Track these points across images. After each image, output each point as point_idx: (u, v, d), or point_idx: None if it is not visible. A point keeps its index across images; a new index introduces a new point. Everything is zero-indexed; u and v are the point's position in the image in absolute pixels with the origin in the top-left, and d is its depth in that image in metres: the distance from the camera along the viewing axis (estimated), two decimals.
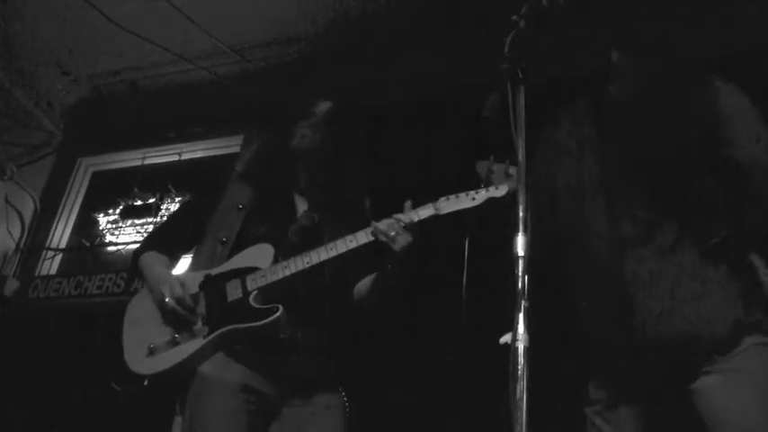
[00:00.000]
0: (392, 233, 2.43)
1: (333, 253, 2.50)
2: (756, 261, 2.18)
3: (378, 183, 3.36)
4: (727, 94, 2.16)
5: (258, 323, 2.42)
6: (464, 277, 2.65)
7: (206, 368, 2.42)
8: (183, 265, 2.91)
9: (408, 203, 2.52)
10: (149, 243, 2.81)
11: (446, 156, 4.09)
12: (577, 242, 2.35)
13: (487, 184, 2.55)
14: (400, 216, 2.46)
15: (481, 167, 2.62)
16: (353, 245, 2.49)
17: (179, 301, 2.47)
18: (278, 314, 2.41)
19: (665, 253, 2.16)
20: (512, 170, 2.57)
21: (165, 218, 3.11)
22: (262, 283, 2.49)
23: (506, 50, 1.89)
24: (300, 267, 2.50)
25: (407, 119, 4.42)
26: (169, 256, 2.75)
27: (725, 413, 2.01)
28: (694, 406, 2.07)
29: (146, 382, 2.44)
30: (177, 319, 2.48)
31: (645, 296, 2.14)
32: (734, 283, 2.10)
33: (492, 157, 2.61)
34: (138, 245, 2.85)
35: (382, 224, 2.45)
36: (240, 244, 2.63)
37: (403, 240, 2.43)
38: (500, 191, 2.43)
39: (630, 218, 2.22)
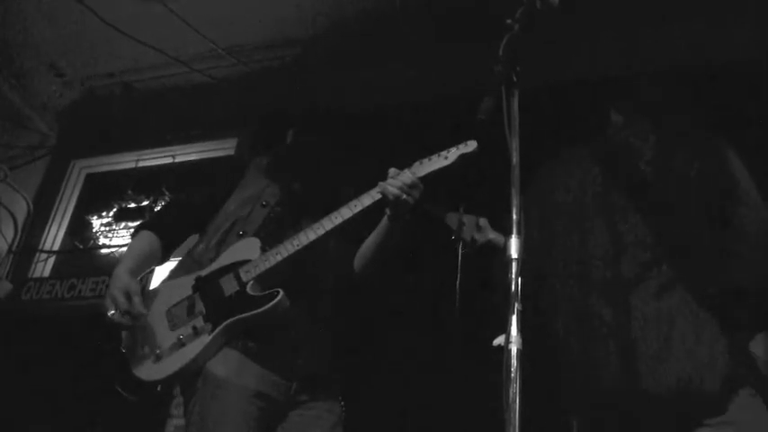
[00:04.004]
0: (404, 196, 2.46)
1: (321, 231, 2.51)
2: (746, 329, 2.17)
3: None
4: (734, 159, 2.19)
5: (261, 309, 2.42)
6: (458, 281, 2.67)
7: (219, 370, 2.40)
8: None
9: (393, 169, 2.54)
10: (150, 222, 2.81)
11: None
12: (570, 276, 2.31)
13: (458, 236, 2.63)
14: (405, 177, 2.48)
15: (451, 219, 2.71)
16: (359, 208, 2.51)
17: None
18: (279, 297, 2.41)
19: (661, 294, 2.12)
20: (482, 222, 2.66)
21: (178, 198, 3.05)
22: (256, 272, 2.50)
23: (501, 53, 1.90)
24: (291, 251, 2.50)
25: (404, 122, 4.42)
26: (164, 238, 2.73)
27: None
28: None
29: (159, 387, 2.45)
30: (177, 317, 2.49)
31: (638, 337, 2.08)
32: (722, 337, 2.06)
33: (461, 209, 2.68)
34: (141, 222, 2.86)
35: (394, 183, 2.47)
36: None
37: (415, 196, 2.48)
38: (469, 146, 2.46)
39: (630, 255, 2.19)
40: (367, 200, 2.53)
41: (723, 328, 2.07)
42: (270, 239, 2.59)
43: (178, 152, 5.31)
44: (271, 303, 2.42)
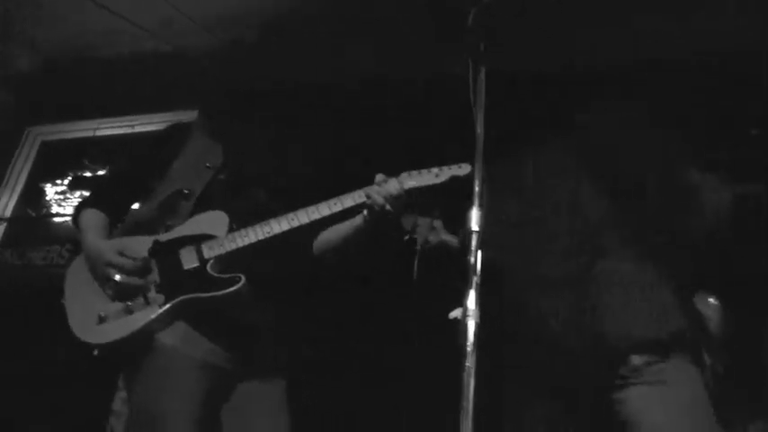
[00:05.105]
0: (388, 206, 2.40)
1: (295, 223, 2.45)
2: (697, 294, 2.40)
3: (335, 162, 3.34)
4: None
5: (219, 293, 2.35)
6: (416, 263, 2.67)
7: (167, 339, 2.33)
8: None
9: (381, 176, 2.48)
10: (94, 199, 2.71)
11: (410, 138, 4.08)
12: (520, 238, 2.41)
13: (413, 237, 2.70)
14: (392, 187, 2.42)
15: (407, 221, 2.74)
16: (338, 208, 2.45)
17: (128, 272, 2.39)
18: (240, 284, 2.34)
19: (607, 255, 2.25)
20: (436, 223, 2.71)
21: (112, 171, 2.97)
22: (219, 251, 2.42)
23: (470, 23, 1.88)
24: (261, 237, 2.44)
25: (372, 102, 4.39)
26: (111, 215, 2.65)
27: (653, 424, 2.10)
28: (617, 415, 2.16)
29: (95, 352, 2.36)
30: (127, 289, 2.41)
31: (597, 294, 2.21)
32: (669, 295, 2.22)
33: (416, 211, 2.74)
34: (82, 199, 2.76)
35: (381, 192, 2.41)
36: (202, 203, 2.55)
37: (397, 208, 2.42)
38: (463, 169, 2.42)
39: (592, 228, 2.29)
40: (348, 201, 2.46)
41: (673, 287, 2.23)
42: (226, 209, 2.53)
43: (138, 122, 5.20)
44: (231, 289, 2.34)
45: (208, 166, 2.62)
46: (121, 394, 3.76)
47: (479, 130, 1.73)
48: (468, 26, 1.88)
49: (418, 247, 2.74)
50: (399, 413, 3.37)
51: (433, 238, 2.71)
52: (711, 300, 2.47)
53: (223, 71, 4.63)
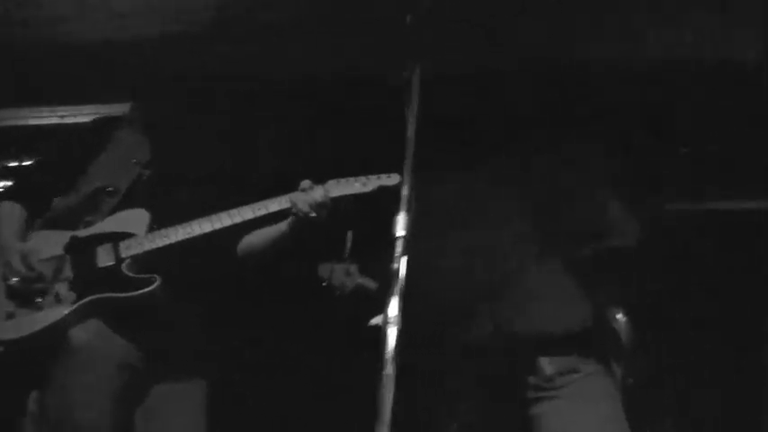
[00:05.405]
0: (312, 213, 2.37)
1: (217, 225, 2.41)
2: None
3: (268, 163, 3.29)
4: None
5: (132, 294, 2.30)
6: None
7: (81, 335, 2.29)
8: None
9: (307, 182, 2.45)
10: (15, 190, 2.65)
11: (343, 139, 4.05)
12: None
13: (330, 284, 2.83)
14: (317, 194, 2.39)
15: (324, 269, 2.89)
16: (262, 212, 2.43)
17: (23, 280, 2.33)
18: (154, 286, 2.30)
19: (529, 259, 2.37)
20: (352, 269, 2.86)
21: (36, 163, 2.92)
22: (137, 250, 2.38)
23: (408, 22, 1.86)
24: (181, 237, 2.40)
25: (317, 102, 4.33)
26: (31, 208, 2.57)
27: None
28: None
29: (1, 349, 2.28)
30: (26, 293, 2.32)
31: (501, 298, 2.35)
32: (578, 300, 2.37)
33: (333, 261, 2.89)
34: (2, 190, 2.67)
35: (305, 199, 2.38)
36: (128, 200, 2.50)
37: (322, 216, 2.39)
38: (392, 179, 2.41)
39: (522, 239, 2.40)
40: (273, 206, 2.44)
41: (582, 295, 2.36)
42: (151, 209, 2.46)
43: (68, 113, 5.07)
44: (144, 290, 2.31)
45: (135, 162, 2.58)
46: (35, 394, 3.62)
47: (410, 133, 1.70)
48: (407, 25, 1.86)
49: (337, 293, 2.87)
50: (332, 415, 3.36)
51: (349, 283, 2.82)
52: (620, 315, 2.57)
53: (159, 64, 4.55)
